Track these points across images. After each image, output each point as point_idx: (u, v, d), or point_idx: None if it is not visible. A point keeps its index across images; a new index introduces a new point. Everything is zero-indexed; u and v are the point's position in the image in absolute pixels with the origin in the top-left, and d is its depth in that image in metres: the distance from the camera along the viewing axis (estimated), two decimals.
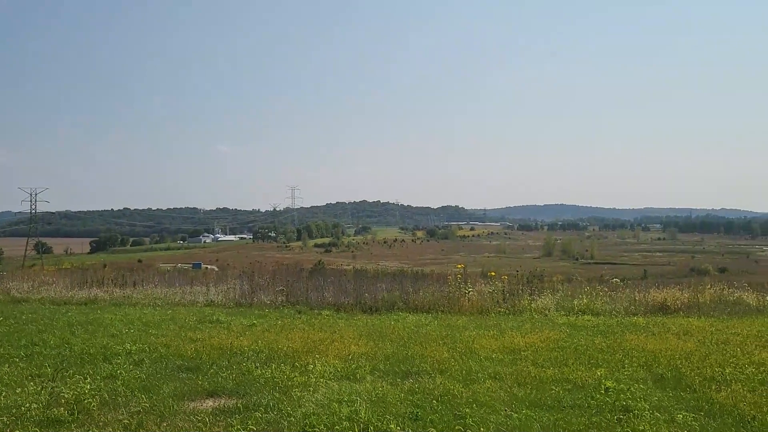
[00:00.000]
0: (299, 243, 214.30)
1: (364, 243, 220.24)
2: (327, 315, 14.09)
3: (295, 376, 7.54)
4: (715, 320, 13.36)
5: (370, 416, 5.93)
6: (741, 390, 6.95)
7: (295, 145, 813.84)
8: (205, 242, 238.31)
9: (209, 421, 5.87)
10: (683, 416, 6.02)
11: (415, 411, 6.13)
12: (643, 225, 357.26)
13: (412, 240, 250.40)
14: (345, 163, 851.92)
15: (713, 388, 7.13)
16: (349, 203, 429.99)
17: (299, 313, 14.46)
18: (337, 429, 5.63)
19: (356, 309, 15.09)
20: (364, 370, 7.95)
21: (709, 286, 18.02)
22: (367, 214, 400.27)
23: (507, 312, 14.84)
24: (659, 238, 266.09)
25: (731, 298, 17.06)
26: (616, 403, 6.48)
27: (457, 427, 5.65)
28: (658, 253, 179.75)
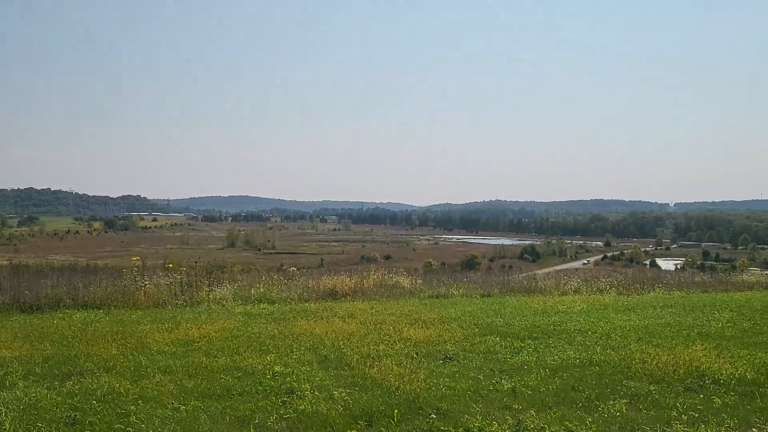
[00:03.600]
0: None
1: (29, 235, 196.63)
2: None
3: None
4: (376, 303, 14.76)
5: (17, 426, 5.38)
6: (390, 364, 7.82)
7: None
8: None
9: None
10: (340, 392, 6.58)
11: (73, 414, 5.73)
12: (321, 217, 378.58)
13: (88, 231, 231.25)
14: (5, 143, 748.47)
15: (368, 364, 7.91)
16: (12, 190, 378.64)
17: None
18: None
19: (13, 308, 13.47)
20: (16, 376, 7.17)
21: (373, 272, 19.87)
22: (35, 203, 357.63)
23: (185, 304, 14.57)
24: (335, 229, 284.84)
25: (390, 283, 19.04)
26: (282, 386, 6.83)
27: (118, 426, 5.43)
28: (333, 243, 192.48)
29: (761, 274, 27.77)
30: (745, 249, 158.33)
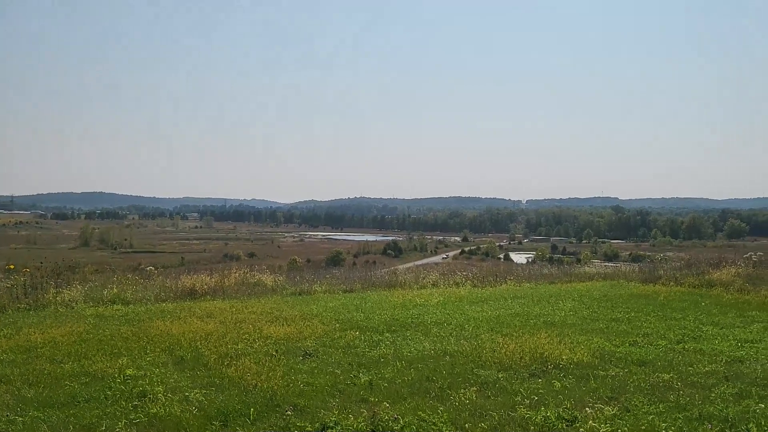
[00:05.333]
0: None
1: None
2: None
3: None
4: (236, 301, 14.52)
5: None
6: (248, 363, 7.73)
7: None
8: None
9: None
10: (195, 393, 6.44)
11: None
12: (182, 214, 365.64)
13: None
14: None
15: (226, 363, 7.79)
16: None
17: None
18: None
19: None
20: None
21: (235, 270, 19.52)
22: None
23: (28, 308, 13.61)
24: (197, 227, 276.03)
25: (253, 280, 18.79)
26: (134, 390, 6.57)
27: None
28: (195, 241, 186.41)
29: (601, 265, 30.17)
30: (588, 242, 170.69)
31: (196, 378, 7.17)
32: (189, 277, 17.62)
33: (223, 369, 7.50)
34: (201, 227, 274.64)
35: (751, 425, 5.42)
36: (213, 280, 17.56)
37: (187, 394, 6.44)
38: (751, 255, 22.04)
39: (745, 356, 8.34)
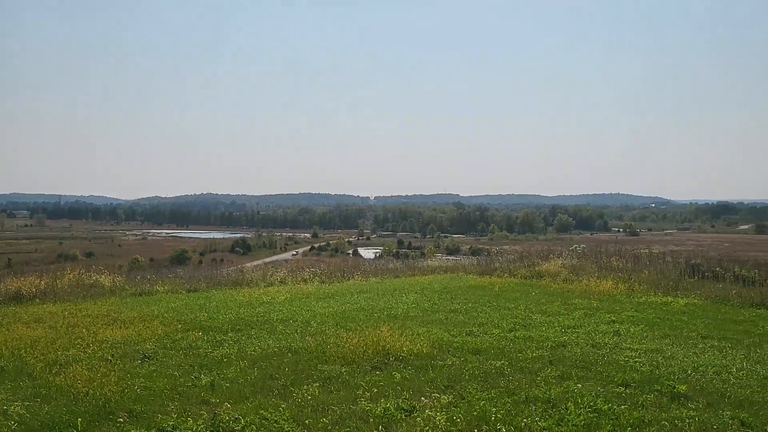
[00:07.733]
0: None
1: None
2: None
3: None
4: (70, 304, 13.66)
5: None
6: (80, 369, 7.29)
7: None
8: None
9: None
10: (16, 407, 5.98)
11: None
12: (8, 211, 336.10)
13: None
14: None
15: (54, 371, 7.29)
16: None
17: None
18: None
19: None
20: None
21: (68, 272, 18.34)
22: None
23: None
24: (27, 225, 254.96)
25: (89, 282, 17.77)
26: None
27: None
28: (24, 240, 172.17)
29: (443, 258, 31.59)
30: (432, 237, 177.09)
31: (18, 390, 6.66)
32: (15, 279, 16.42)
33: (51, 378, 7.03)
34: (31, 226, 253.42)
35: (569, 404, 5.92)
36: (43, 282, 16.46)
37: (5, 407, 5.97)
38: (576, 247, 24.06)
39: (568, 341, 9.09)
